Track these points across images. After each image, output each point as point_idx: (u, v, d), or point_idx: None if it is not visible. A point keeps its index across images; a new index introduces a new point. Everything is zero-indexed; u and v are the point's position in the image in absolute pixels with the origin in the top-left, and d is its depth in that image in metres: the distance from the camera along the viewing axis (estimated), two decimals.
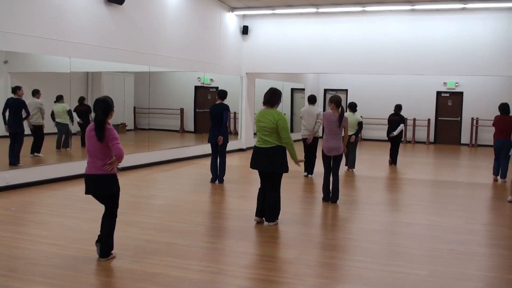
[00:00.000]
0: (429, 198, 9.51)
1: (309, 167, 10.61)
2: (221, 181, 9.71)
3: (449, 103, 19.38)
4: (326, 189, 8.13)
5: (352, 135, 11.17)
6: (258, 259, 5.47)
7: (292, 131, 18.39)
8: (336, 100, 8.01)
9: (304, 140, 10.55)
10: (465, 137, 19.13)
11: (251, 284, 4.73)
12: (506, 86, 17.65)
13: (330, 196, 8.05)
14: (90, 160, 5.02)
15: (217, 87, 14.10)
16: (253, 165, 6.62)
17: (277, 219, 6.66)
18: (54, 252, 5.37)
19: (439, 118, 19.56)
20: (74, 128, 11.66)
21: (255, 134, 7.32)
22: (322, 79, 20.76)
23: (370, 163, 13.22)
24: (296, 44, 14.64)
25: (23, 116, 9.65)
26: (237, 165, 12.31)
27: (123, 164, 5.44)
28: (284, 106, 17.72)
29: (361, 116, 12.80)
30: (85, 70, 13.07)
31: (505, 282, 4.89)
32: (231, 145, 12.41)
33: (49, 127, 10.80)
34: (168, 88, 17.24)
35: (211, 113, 9.60)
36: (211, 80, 15.39)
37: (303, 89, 19.50)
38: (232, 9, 14.67)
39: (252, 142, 10.10)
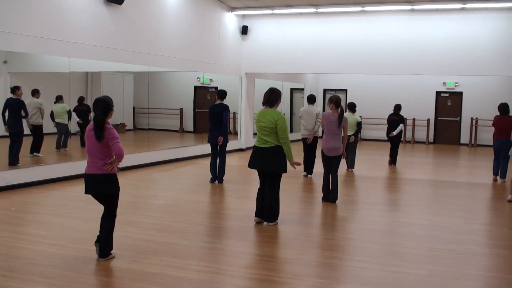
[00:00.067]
0: (428, 198, 9.51)
1: (308, 167, 10.61)
2: (221, 181, 9.71)
3: (448, 103, 19.39)
4: (325, 189, 8.12)
5: (351, 135, 11.16)
6: (258, 259, 5.47)
7: (291, 131, 18.42)
8: (336, 100, 8.00)
9: (303, 140, 10.55)
10: (464, 137, 19.14)
11: (251, 284, 4.73)
12: (506, 86, 17.66)
13: (329, 196, 8.05)
14: (90, 159, 5.01)
15: (217, 87, 14.09)
16: (251, 165, 6.62)
17: (277, 219, 6.66)
18: (54, 252, 5.37)
19: (438, 118, 19.57)
20: (73, 128, 11.66)
21: (254, 134, 7.33)
22: (321, 79, 20.77)
23: (369, 163, 13.22)
24: (296, 44, 14.64)
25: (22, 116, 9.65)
26: (237, 165, 12.31)
27: (122, 164, 5.44)
28: (283, 106, 17.72)
29: (361, 116, 12.82)
30: (84, 70, 13.07)
31: (505, 282, 4.89)
32: (231, 145, 12.41)
33: (49, 127, 10.80)
34: (168, 88, 17.24)
35: (211, 113, 9.59)
36: (211, 80, 15.39)
37: (303, 89, 19.50)
38: (232, 9, 14.67)
39: (252, 142, 10.10)
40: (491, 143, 10.94)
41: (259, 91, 15.25)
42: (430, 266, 5.15)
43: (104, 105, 4.91)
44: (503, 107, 10.51)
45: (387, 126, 12.77)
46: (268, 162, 6.45)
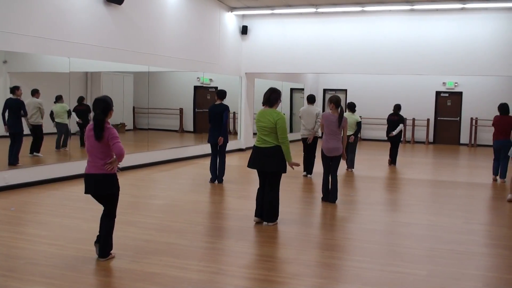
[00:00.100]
0: (428, 198, 9.51)
1: (308, 167, 10.61)
2: (221, 181, 9.71)
3: (448, 103, 19.39)
4: (325, 189, 8.12)
5: (351, 135, 11.16)
6: (257, 259, 5.47)
7: (291, 131, 18.42)
8: (336, 100, 8.00)
9: (303, 140, 10.54)
10: (464, 137, 19.14)
11: (250, 284, 4.73)
12: (506, 86, 17.66)
13: (329, 196, 8.05)
14: (90, 159, 5.01)
15: (217, 87, 14.09)
16: (251, 165, 6.62)
17: (277, 219, 6.66)
18: (54, 252, 5.37)
19: (438, 118, 19.57)
20: (73, 128, 11.66)
21: (254, 134, 7.33)
22: (321, 79, 20.77)
23: (369, 163, 13.22)
24: (296, 44, 14.64)
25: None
26: (237, 165, 12.31)
27: (122, 164, 5.44)
28: (283, 106, 17.72)
29: (360, 116, 12.81)
30: (84, 70, 13.06)
31: (505, 282, 4.89)
32: (231, 145, 12.42)
33: (49, 127, 10.80)
34: (168, 88, 17.23)
35: (210, 113, 9.59)
36: (211, 80, 15.39)
37: (303, 89, 19.50)
38: (232, 9, 14.67)
39: (252, 142, 10.10)
40: (491, 143, 10.94)
41: (259, 91, 15.25)
42: (430, 266, 5.15)
43: (104, 105, 4.91)
44: (503, 107, 10.51)
45: (387, 126, 12.77)
46: (268, 162, 6.45)
